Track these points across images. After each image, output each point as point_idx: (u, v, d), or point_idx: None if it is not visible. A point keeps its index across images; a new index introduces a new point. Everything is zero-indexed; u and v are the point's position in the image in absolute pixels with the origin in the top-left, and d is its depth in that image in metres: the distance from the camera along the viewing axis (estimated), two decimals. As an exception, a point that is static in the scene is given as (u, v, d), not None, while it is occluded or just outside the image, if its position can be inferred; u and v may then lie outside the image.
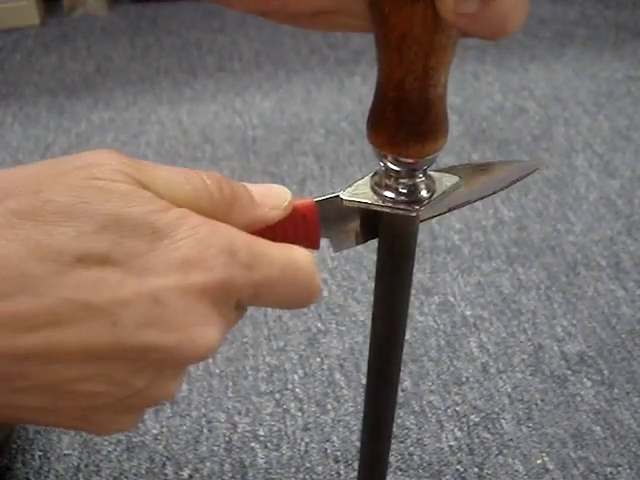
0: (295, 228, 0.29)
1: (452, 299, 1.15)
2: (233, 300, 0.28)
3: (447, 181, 0.38)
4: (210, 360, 1.05)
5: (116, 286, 0.25)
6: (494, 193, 0.38)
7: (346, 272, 1.20)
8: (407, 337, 1.09)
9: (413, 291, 1.16)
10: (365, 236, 0.38)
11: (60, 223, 0.24)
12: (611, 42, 1.90)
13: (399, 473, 0.91)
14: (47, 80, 1.80)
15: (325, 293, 1.16)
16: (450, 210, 0.38)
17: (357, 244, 0.34)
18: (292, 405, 0.99)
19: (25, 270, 0.24)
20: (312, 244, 0.31)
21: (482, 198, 0.38)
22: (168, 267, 0.25)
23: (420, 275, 1.19)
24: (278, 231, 0.29)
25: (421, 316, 1.12)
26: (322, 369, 1.04)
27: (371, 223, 0.38)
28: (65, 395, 0.26)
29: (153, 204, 0.26)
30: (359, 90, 1.70)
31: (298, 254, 0.29)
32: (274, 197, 0.30)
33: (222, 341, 0.28)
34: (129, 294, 0.25)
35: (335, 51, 1.86)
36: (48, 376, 0.25)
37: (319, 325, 1.10)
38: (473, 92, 1.70)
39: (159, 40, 1.98)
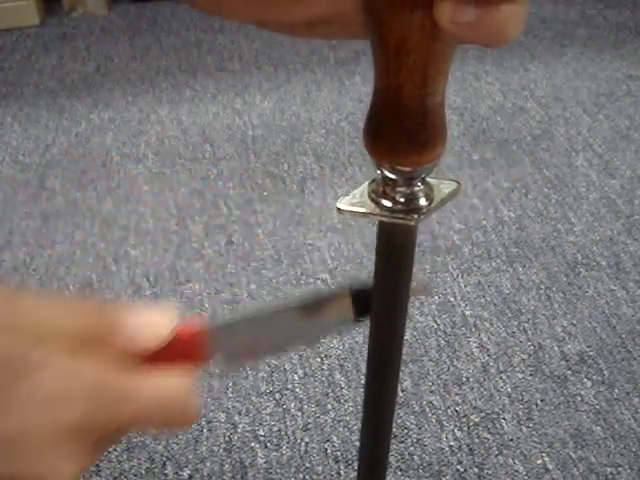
0: (179, 351, 0.29)
1: (452, 299, 1.15)
2: (95, 436, 0.28)
3: (446, 188, 0.37)
4: (210, 360, 1.05)
5: None
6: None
7: (346, 272, 1.20)
8: (407, 337, 1.09)
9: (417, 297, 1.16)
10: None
11: None
12: (611, 42, 1.90)
13: (399, 473, 0.91)
14: (47, 80, 1.80)
15: (325, 293, 1.16)
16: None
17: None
18: (292, 405, 0.99)
19: None
20: (199, 362, 0.30)
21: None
22: (28, 406, 0.26)
23: (420, 275, 1.19)
24: (160, 352, 0.29)
25: (421, 316, 1.12)
26: (322, 369, 1.04)
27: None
28: None
29: (21, 340, 0.26)
30: (359, 90, 1.70)
31: (170, 385, 0.28)
32: (153, 326, 0.29)
33: (81, 473, 0.28)
34: None
35: (335, 51, 1.86)
36: None
37: (319, 325, 1.10)
38: (473, 92, 1.70)
39: (159, 40, 1.98)
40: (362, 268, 1.21)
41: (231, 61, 1.86)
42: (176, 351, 0.29)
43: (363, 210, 0.36)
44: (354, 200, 0.36)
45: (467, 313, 1.12)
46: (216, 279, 1.20)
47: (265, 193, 1.40)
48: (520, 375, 1.03)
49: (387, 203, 0.35)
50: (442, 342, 1.08)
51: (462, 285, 1.17)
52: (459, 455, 0.93)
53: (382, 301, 0.43)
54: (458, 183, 0.38)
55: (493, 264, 1.22)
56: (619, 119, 1.60)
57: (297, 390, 1.01)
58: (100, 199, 1.40)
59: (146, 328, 0.29)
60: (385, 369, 0.48)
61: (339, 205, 0.36)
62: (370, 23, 0.29)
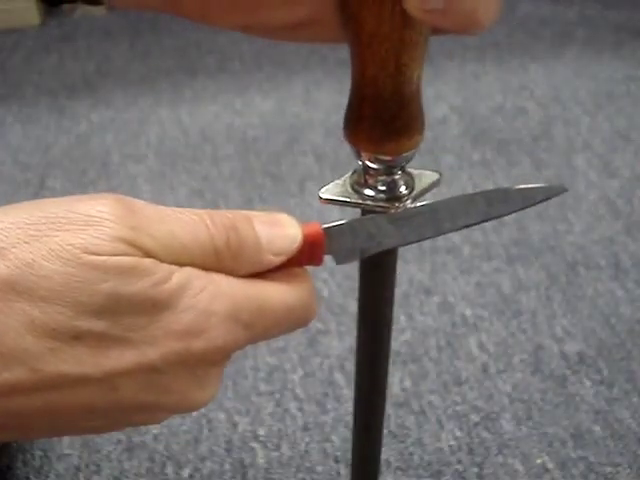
0: (301, 253, 0.30)
1: (452, 299, 1.15)
2: (231, 356, 0.29)
3: (427, 178, 0.38)
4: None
5: (114, 359, 0.25)
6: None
7: (346, 272, 1.20)
8: (407, 337, 1.09)
9: (413, 291, 1.16)
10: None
11: (56, 302, 0.24)
12: (611, 42, 1.90)
13: (399, 473, 0.91)
14: (47, 80, 1.80)
15: (325, 293, 1.16)
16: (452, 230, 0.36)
17: (361, 258, 0.34)
18: (292, 405, 0.99)
19: (22, 346, 0.24)
20: (316, 263, 0.31)
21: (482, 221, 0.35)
22: (169, 338, 0.26)
23: (420, 275, 1.19)
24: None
25: (421, 316, 1.12)
26: (322, 369, 1.04)
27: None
28: (66, 430, 0.28)
29: (154, 275, 0.26)
30: (359, 90, 1.70)
31: (298, 293, 0.29)
32: (282, 241, 0.29)
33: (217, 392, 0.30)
34: (128, 365, 0.25)
35: (335, 51, 1.86)
36: (48, 425, 0.27)
37: (319, 325, 1.10)
38: (473, 92, 1.70)
39: (159, 40, 1.98)
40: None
41: (231, 61, 1.87)
42: (298, 255, 0.29)
43: (345, 199, 0.37)
44: (336, 189, 0.37)
45: (467, 313, 1.13)
46: (216, 279, 1.20)
47: (265, 193, 1.40)
48: (520, 375, 1.03)
49: (369, 192, 0.36)
50: (442, 342, 1.08)
51: (462, 285, 1.18)
52: (459, 455, 0.93)
53: (369, 288, 0.43)
54: (439, 174, 0.38)
55: (493, 264, 1.22)
56: (618, 119, 1.60)
57: (297, 390, 1.01)
58: (100, 199, 1.40)
59: (279, 240, 0.29)
60: (374, 363, 0.49)
61: (322, 194, 0.37)
62: (343, 14, 0.30)
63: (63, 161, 1.51)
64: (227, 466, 0.92)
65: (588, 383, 1.02)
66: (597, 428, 0.96)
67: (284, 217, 0.30)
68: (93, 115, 1.66)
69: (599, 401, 0.99)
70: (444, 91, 1.70)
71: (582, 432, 0.95)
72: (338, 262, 0.32)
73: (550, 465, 0.92)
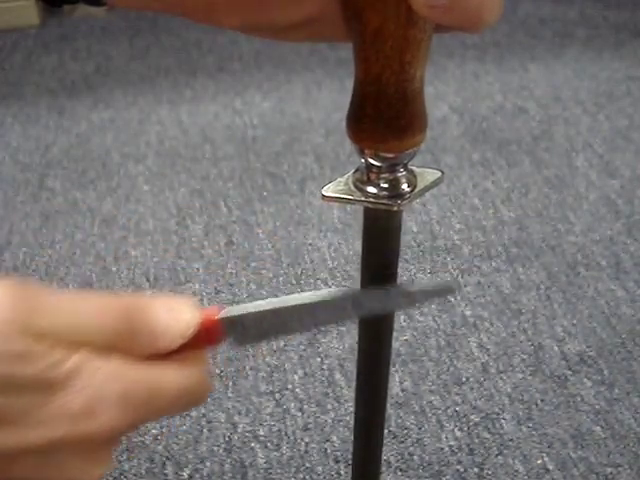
0: (197, 337, 0.30)
1: (452, 299, 1.15)
2: (122, 435, 0.29)
3: (429, 175, 0.38)
4: (210, 360, 1.05)
5: (4, 441, 0.26)
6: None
7: (346, 272, 1.20)
8: (407, 337, 1.09)
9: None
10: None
11: None
12: (611, 42, 1.90)
13: (399, 473, 0.91)
14: (47, 80, 1.80)
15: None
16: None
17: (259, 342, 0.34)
18: (292, 405, 0.99)
19: None
20: (213, 345, 0.32)
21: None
22: (62, 419, 0.26)
23: (420, 275, 1.19)
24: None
25: (421, 316, 1.12)
26: (322, 369, 1.04)
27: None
28: None
29: (50, 357, 0.26)
30: (359, 90, 1.69)
31: (193, 376, 0.30)
32: (177, 327, 0.30)
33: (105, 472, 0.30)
34: (18, 446, 0.26)
35: (335, 51, 1.86)
36: None
37: (319, 325, 1.10)
38: (473, 92, 1.70)
39: (159, 40, 1.98)
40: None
41: (231, 61, 1.86)
42: (194, 340, 0.30)
43: (348, 197, 0.37)
44: (339, 187, 0.37)
45: (467, 313, 1.12)
46: (216, 279, 1.20)
47: (265, 193, 1.40)
48: (520, 375, 1.03)
49: (371, 189, 0.36)
50: (442, 342, 1.08)
51: (462, 285, 1.17)
52: (459, 455, 0.93)
53: (369, 285, 0.43)
54: (441, 172, 0.38)
55: (493, 264, 1.22)
56: (619, 119, 1.60)
57: (297, 390, 1.01)
58: (100, 199, 1.40)
59: (174, 326, 0.29)
60: (375, 360, 0.49)
61: (324, 192, 0.37)
62: (347, 12, 0.30)
63: (63, 161, 1.51)
64: (227, 466, 0.92)
65: (589, 383, 1.02)
66: (598, 429, 0.96)
67: (182, 302, 0.30)
68: (93, 115, 1.66)
69: (600, 401, 0.99)
70: (444, 91, 1.70)
71: (582, 433, 0.95)
72: (237, 345, 0.33)
73: (550, 466, 0.92)
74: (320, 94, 1.70)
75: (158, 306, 0.30)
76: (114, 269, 1.23)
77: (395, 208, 0.36)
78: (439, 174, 0.38)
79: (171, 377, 0.29)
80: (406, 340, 1.08)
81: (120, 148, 1.54)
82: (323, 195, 0.37)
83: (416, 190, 0.37)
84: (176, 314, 0.30)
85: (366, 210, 0.38)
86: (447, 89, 1.71)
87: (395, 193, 0.36)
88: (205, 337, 0.30)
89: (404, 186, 0.36)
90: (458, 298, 1.15)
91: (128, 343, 0.28)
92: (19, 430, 0.26)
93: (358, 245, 1.26)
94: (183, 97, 1.72)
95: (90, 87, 1.77)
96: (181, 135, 1.58)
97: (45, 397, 0.26)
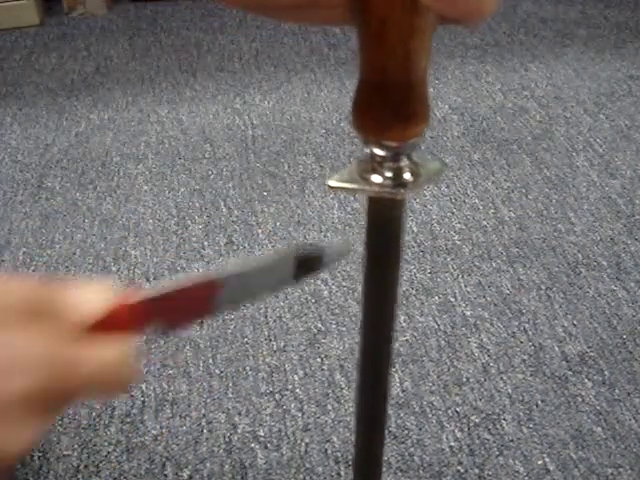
0: (117, 321, 0.30)
1: (452, 299, 1.15)
2: (44, 404, 0.29)
3: (432, 165, 0.38)
4: (210, 360, 1.05)
5: None
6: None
7: (346, 272, 1.20)
8: (407, 337, 1.08)
9: (413, 291, 1.16)
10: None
11: None
12: (612, 42, 1.90)
13: (399, 474, 0.91)
14: (47, 80, 1.80)
15: (325, 293, 1.16)
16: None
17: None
18: (292, 406, 0.99)
19: None
20: (136, 329, 0.32)
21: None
22: None
23: (420, 275, 1.19)
24: (99, 324, 0.30)
25: (421, 316, 1.12)
26: (322, 369, 1.04)
27: None
28: None
29: None
30: (359, 90, 1.69)
31: (111, 352, 0.30)
32: (90, 297, 0.30)
33: (32, 442, 0.30)
34: None
35: (335, 51, 1.86)
36: None
37: (319, 325, 1.10)
38: (473, 92, 1.70)
39: (159, 40, 1.98)
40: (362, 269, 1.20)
41: (231, 61, 1.86)
42: (115, 322, 0.30)
43: (353, 186, 0.37)
44: (343, 177, 0.38)
45: (467, 313, 1.12)
46: (216, 279, 1.20)
47: (265, 193, 1.39)
48: (521, 376, 1.03)
49: (375, 179, 0.37)
50: (442, 342, 1.08)
51: (462, 285, 1.17)
52: (459, 456, 0.92)
53: (373, 275, 0.44)
54: (445, 163, 0.39)
55: (493, 264, 1.21)
56: (620, 119, 1.59)
57: (297, 391, 1.01)
58: (100, 199, 1.40)
59: (85, 302, 0.30)
60: (377, 353, 0.49)
61: (329, 182, 0.38)
62: (354, 2, 0.31)
63: (62, 161, 1.51)
64: (227, 467, 0.92)
65: (589, 384, 1.01)
66: (598, 429, 0.96)
67: (94, 282, 0.31)
68: (93, 115, 1.65)
69: (600, 402, 0.99)
70: (444, 91, 1.70)
71: (583, 433, 0.95)
72: (162, 331, 0.32)
73: (551, 466, 0.91)
74: (320, 94, 1.70)
75: (71, 285, 0.30)
76: (114, 269, 1.23)
77: (399, 197, 0.37)
78: (441, 163, 0.39)
79: (88, 351, 0.29)
80: (406, 340, 1.08)
81: (120, 148, 1.54)
82: (329, 185, 0.38)
83: (420, 179, 0.37)
84: (89, 290, 0.31)
85: (370, 200, 0.39)
86: (447, 89, 1.71)
87: (399, 182, 0.37)
88: (126, 320, 0.30)
89: (407, 175, 0.37)
90: (458, 298, 1.15)
91: (43, 316, 0.29)
92: None
93: (358, 245, 1.26)
94: (183, 97, 1.71)
95: (90, 87, 1.77)
96: (181, 135, 1.58)
97: None
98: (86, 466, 0.91)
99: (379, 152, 0.36)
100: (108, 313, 0.30)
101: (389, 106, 0.33)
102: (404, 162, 0.37)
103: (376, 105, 0.34)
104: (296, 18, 0.33)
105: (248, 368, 1.04)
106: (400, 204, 0.40)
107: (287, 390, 1.01)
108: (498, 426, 0.96)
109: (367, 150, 0.36)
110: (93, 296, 0.30)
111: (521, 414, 0.98)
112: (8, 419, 0.27)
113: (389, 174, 0.37)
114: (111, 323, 0.30)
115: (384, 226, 0.41)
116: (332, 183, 0.38)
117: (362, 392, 0.50)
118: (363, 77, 0.34)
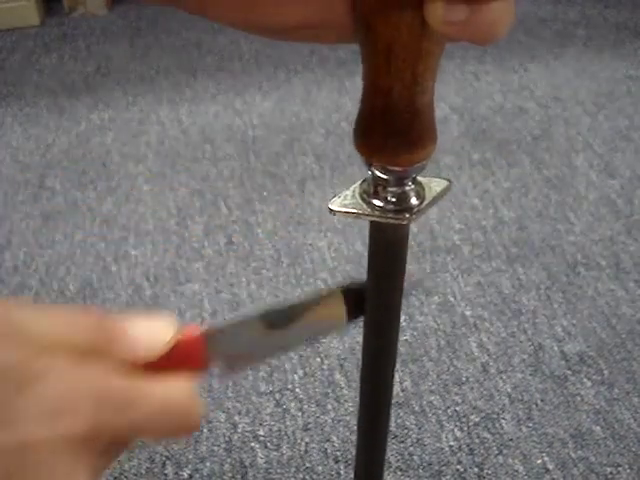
0: (179, 357, 0.29)
1: (452, 299, 1.15)
2: (101, 444, 0.27)
3: (436, 186, 0.37)
4: (210, 365, 1.05)
5: None
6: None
7: (346, 272, 1.20)
8: (407, 337, 1.09)
9: (413, 291, 1.16)
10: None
11: None
12: (611, 42, 1.90)
13: (399, 473, 0.91)
14: (47, 80, 1.80)
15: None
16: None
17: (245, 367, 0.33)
18: (292, 405, 0.99)
19: None
20: (200, 368, 0.30)
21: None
22: (33, 416, 0.25)
23: (420, 275, 1.19)
24: (161, 360, 0.29)
25: (421, 316, 1.12)
26: (322, 369, 1.04)
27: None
28: None
29: (22, 350, 0.25)
30: (359, 90, 1.69)
31: (174, 391, 0.28)
32: (155, 333, 0.29)
33: None
34: None
35: (335, 51, 1.86)
36: None
37: (319, 325, 1.10)
38: (473, 92, 1.70)
39: (159, 40, 1.98)
40: (362, 268, 1.20)
41: (231, 61, 1.86)
42: (176, 358, 0.29)
43: (355, 211, 0.36)
44: (346, 201, 0.36)
45: (467, 313, 1.12)
46: (216, 279, 1.20)
47: (265, 193, 1.40)
48: (520, 375, 1.03)
49: (379, 203, 0.36)
50: (442, 342, 1.08)
51: (462, 285, 1.17)
52: (459, 455, 0.93)
53: (376, 300, 0.43)
54: (449, 181, 0.38)
55: (493, 264, 1.22)
56: (619, 119, 1.60)
57: (297, 390, 1.01)
58: (100, 199, 1.40)
59: (146, 337, 0.28)
60: (380, 368, 0.48)
61: (331, 206, 0.36)
62: (359, 25, 0.29)
63: (63, 161, 1.51)
64: (227, 466, 0.92)
65: (588, 383, 1.02)
66: (597, 428, 0.96)
67: (158, 316, 0.29)
68: (93, 115, 1.66)
69: (599, 401, 0.99)
70: (444, 91, 1.70)
71: (582, 432, 0.95)
72: (226, 369, 0.31)
73: (550, 465, 0.92)
74: (320, 94, 1.70)
75: (131, 319, 0.29)
76: (114, 269, 1.23)
77: (404, 222, 0.35)
78: (447, 183, 0.37)
79: (152, 387, 0.28)
80: (406, 340, 1.08)
81: (120, 148, 1.54)
82: (330, 209, 0.36)
83: (424, 203, 0.36)
84: (150, 324, 0.29)
85: (373, 222, 0.38)
86: (447, 89, 1.71)
87: (403, 207, 0.35)
88: (188, 356, 0.29)
89: (412, 199, 0.36)
90: (458, 298, 1.15)
91: (101, 353, 0.27)
92: None
93: (358, 245, 1.26)
94: (183, 97, 1.72)
95: (90, 87, 1.77)
96: (181, 135, 1.58)
97: (15, 392, 0.25)
98: (87, 465, 0.92)
99: (383, 176, 0.34)
100: (172, 348, 0.28)
101: (395, 132, 0.32)
102: (409, 186, 0.35)
103: (381, 130, 0.32)
104: (295, 38, 0.32)
105: (248, 368, 1.04)
106: (404, 228, 0.38)
107: (287, 390, 1.01)
108: (497, 425, 0.96)
109: (370, 172, 0.35)
110: (156, 331, 0.29)
111: (520, 413, 0.98)
112: (61, 462, 0.26)
113: (393, 199, 0.35)
114: (174, 359, 0.29)
115: (388, 249, 0.40)
116: (334, 207, 0.36)
117: (364, 392, 0.50)
118: (367, 100, 0.32)
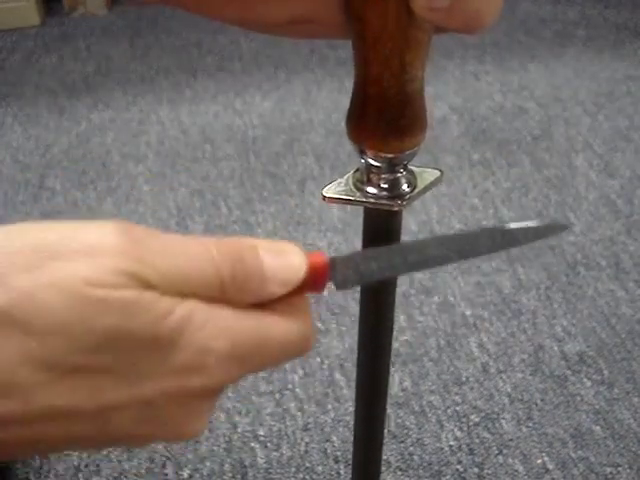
0: (304, 282, 0.29)
1: (452, 299, 1.15)
2: (224, 390, 0.29)
3: (428, 175, 0.38)
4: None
5: (109, 392, 0.25)
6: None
7: (346, 272, 1.20)
8: (407, 337, 1.09)
9: (413, 291, 1.16)
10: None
11: (54, 334, 0.23)
12: (611, 42, 1.90)
13: (399, 473, 0.91)
14: (47, 80, 1.80)
15: (325, 293, 1.16)
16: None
17: (361, 285, 0.33)
18: (292, 405, 0.99)
19: (16, 378, 0.23)
20: (318, 291, 0.31)
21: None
22: (167, 374, 0.26)
23: (420, 275, 1.19)
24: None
25: (421, 316, 1.12)
26: (322, 369, 1.04)
27: None
28: (49, 452, 0.28)
29: (155, 311, 0.25)
30: (359, 90, 1.69)
31: (298, 329, 0.29)
32: (287, 272, 0.28)
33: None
34: (122, 399, 0.25)
35: (335, 51, 1.86)
36: (32, 449, 0.27)
37: (319, 325, 1.10)
38: (473, 92, 1.70)
39: (159, 40, 1.98)
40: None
41: (231, 61, 1.86)
42: (301, 286, 0.29)
43: (348, 197, 0.37)
44: (339, 188, 0.37)
45: (467, 313, 1.13)
46: (216, 279, 1.20)
47: (265, 193, 1.40)
48: (520, 375, 1.03)
49: (371, 190, 0.37)
50: (442, 342, 1.08)
51: (462, 285, 1.17)
52: (459, 455, 0.93)
53: (370, 289, 0.44)
54: (441, 171, 0.38)
55: (493, 264, 1.22)
56: (619, 119, 1.60)
57: (297, 390, 1.01)
58: (100, 199, 1.40)
59: (281, 273, 0.28)
60: (375, 357, 0.49)
61: (325, 193, 0.37)
62: (347, 14, 0.30)
63: (63, 161, 1.51)
64: (227, 466, 0.92)
65: (588, 383, 1.02)
66: (597, 428, 0.96)
67: (289, 246, 0.29)
68: (93, 115, 1.66)
69: (599, 401, 0.99)
70: (444, 91, 1.70)
71: (582, 432, 0.95)
72: (338, 288, 0.32)
73: (550, 465, 0.92)
74: (320, 94, 1.70)
75: (266, 250, 0.28)
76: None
77: (395, 208, 0.36)
78: (438, 173, 0.38)
79: (279, 327, 0.28)
80: (406, 340, 1.08)
81: (120, 148, 1.54)
82: (323, 196, 0.37)
83: (416, 190, 0.37)
84: (285, 258, 0.28)
85: (366, 210, 0.39)
86: (447, 89, 1.71)
87: (395, 193, 0.36)
88: (311, 282, 0.29)
89: (404, 186, 0.37)
90: (458, 298, 1.15)
91: (237, 290, 0.27)
92: (121, 385, 0.25)
93: (358, 245, 1.26)
94: (183, 97, 1.72)
95: (90, 87, 1.77)
96: (181, 135, 1.58)
97: (151, 352, 0.25)
98: (87, 465, 0.92)
99: (375, 163, 0.35)
100: (307, 275, 0.29)
101: (386, 119, 0.33)
102: (400, 173, 0.36)
103: (372, 118, 0.33)
104: (290, 34, 0.33)
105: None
106: (397, 215, 0.40)
107: (287, 390, 1.01)
108: (497, 425, 0.96)
109: (362, 160, 0.36)
110: (289, 265, 0.28)
111: (520, 413, 0.98)
112: (181, 414, 0.27)
113: (385, 185, 0.36)
114: (299, 288, 0.29)
115: (381, 236, 0.41)
116: (327, 194, 0.37)
117: (361, 391, 0.51)
118: (358, 89, 0.33)
